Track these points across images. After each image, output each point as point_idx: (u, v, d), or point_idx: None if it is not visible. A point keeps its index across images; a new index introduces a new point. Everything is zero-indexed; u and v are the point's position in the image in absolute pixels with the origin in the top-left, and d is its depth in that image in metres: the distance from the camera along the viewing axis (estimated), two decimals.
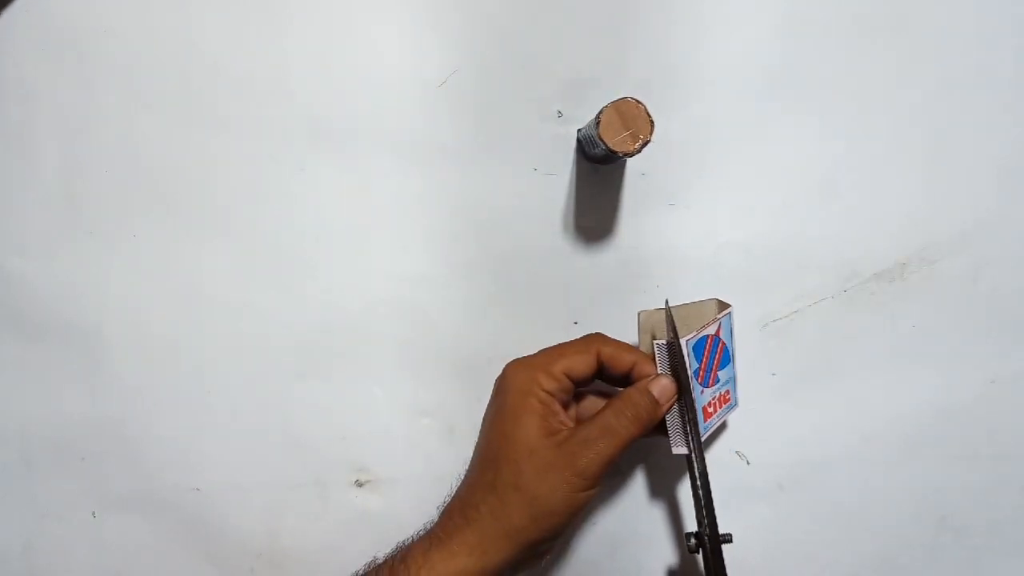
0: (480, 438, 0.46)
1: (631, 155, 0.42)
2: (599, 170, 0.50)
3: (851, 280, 0.51)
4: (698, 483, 0.44)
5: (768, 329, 0.51)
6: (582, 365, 0.44)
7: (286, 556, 0.49)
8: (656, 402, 0.43)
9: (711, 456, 0.51)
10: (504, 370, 0.45)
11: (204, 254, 0.50)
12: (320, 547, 0.51)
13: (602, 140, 0.42)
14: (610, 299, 0.51)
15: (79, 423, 0.50)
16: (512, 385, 0.43)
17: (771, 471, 0.51)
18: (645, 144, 0.42)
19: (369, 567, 0.43)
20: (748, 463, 0.51)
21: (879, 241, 0.51)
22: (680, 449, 0.45)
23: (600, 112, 0.42)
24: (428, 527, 0.44)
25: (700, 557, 0.47)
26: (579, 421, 0.45)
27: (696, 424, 0.44)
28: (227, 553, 0.51)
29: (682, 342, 0.43)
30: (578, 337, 0.46)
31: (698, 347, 0.45)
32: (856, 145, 0.51)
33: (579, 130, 0.50)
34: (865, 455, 0.52)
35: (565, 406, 0.44)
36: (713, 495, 0.49)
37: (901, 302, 0.51)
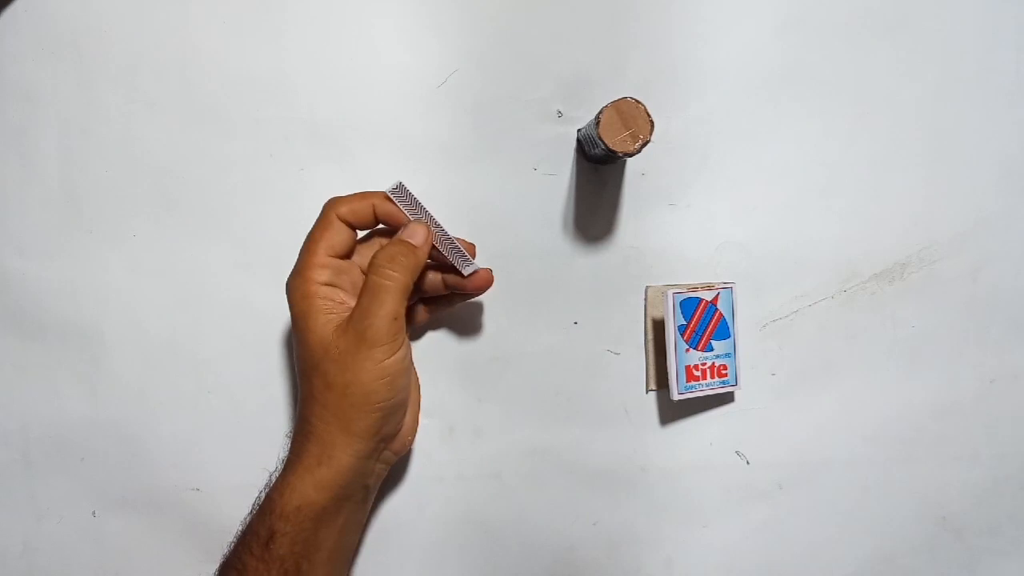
0: (294, 356, 0.45)
1: (631, 155, 0.42)
2: (599, 170, 0.50)
3: (851, 280, 0.51)
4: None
5: (768, 329, 0.51)
6: (337, 238, 0.43)
7: None
8: (412, 246, 0.43)
9: (710, 455, 0.51)
10: (286, 287, 0.44)
11: (204, 254, 0.50)
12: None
13: (602, 140, 0.42)
14: (610, 299, 0.51)
15: (79, 423, 0.50)
16: (293, 295, 0.43)
17: (771, 471, 0.51)
18: (645, 144, 0.42)
19: (248, 515, 0.44)
20: (748, 463, 0.51)
21: (879, 241, 0.51)
22: (470, 268, 0.46)
23: (600, 112, 0.42)
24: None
25: None
26: None
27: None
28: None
29: (669, 294, 0.44)
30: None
31: (687, 304, 0.46)
32: (856, 145, 0.51)
33: (579, 130, 0.50)
34: (865, 455, 0.52)
35: (354, 284, 0.44)
36: (713, 493, 0.50)
37: (901, 302, 0.52)
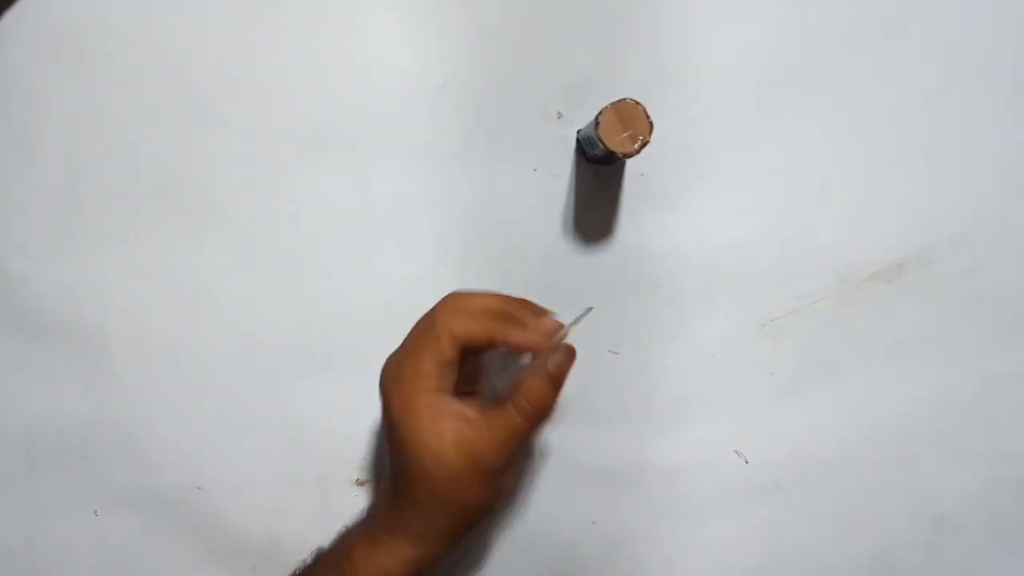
0: (387, 448, 0.43)
1: (630, 156, 0.42)
2: (599, 171, 0.51)
3: (849, 280, 0.52)
4: None
5: (766, 329, 0.51)
6: (445, 354, 0.40)
7: (287, 554, 0.49)
8: (553, 381, 0.41)
9: (709, 455, 0.51)
10: (380, 378, 0.42)
11: (205, 254, 0.51)
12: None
13: (601, 141, 0.42)
14: (610, 299, 0.51)
15: (81, 422, 0.51)
16: (394, 401, 0.41)
17: (769, 470, 0.51)
18: (644, 145, 0.42)
19: (316, 557, 0.44)
20: (747, 462, 0.51)
21: (878, 241, 0.51)
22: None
23: (599, 113, 0.42)
24: (364, 519, 0.44)
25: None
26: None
27: None
28: (229, 551, 0.51)
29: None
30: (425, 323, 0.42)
31: None
32: (855, 145, 0.51)
33: (579, 131, 0.50)
34: (863, 454, 0.52)
35: (456, 374, 0.42)
36: (712, 493, 0.50)
37: (899, 302, 0.52)
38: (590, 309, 0.42)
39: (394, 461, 0.41)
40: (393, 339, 0.50)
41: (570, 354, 0.42)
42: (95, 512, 0.51)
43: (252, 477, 0.51)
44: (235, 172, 0.50)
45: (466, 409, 0.40)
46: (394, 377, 0.41)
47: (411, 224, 0.51)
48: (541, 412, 0.40)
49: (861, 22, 0.51)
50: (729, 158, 0.51)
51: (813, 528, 0.52)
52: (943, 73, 0.51)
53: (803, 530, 0.52)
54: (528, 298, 0.49)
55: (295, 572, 0.44)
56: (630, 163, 0.50)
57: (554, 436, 0.51)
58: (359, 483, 0.51)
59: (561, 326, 0.42)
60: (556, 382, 0.41)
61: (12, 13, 0.50)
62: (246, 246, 0.51)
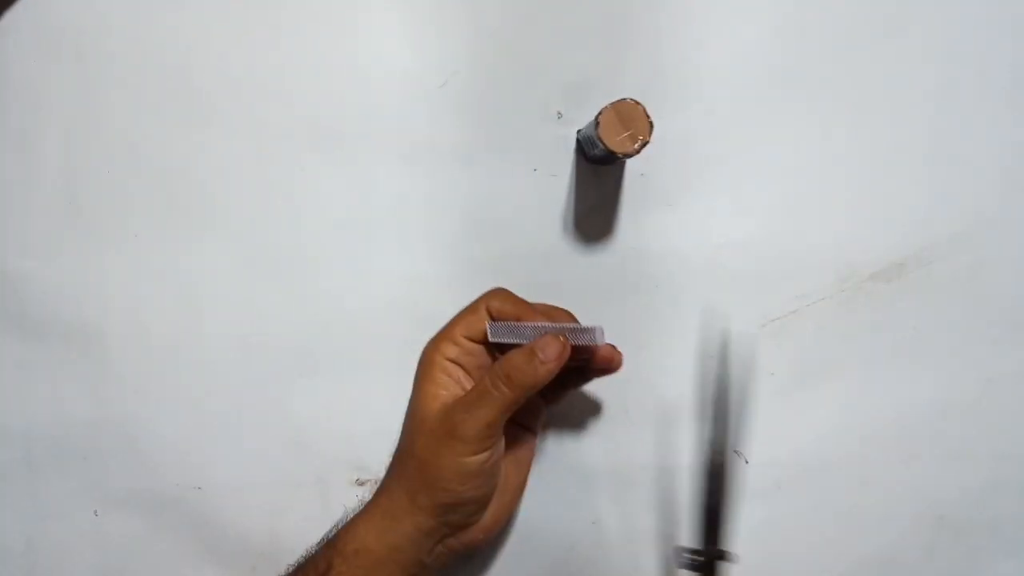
0: None
1: (630, 156, 0.42)
2: (599, 171, 0.51)
3: (849, 280, 0.52)
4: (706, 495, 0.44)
5: (767, 329, 0.51)
6: (476, 324, 0.44)
7: (287, 554, 0.49)
8: (539, 362, 0.41)
9: (708, 454, 0.51)
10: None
11: (204, 254, 0.51)
12: None
13: (601, 141, 0.42)
14: (610, 299, 0.51)
15: (81, 422, 0.51)
16: (422, 357, 0.45)
17: (769, 470, 0.51)
18: (644, 145, 0.42)
19: (319, 541, 0.46)
20: (747, 462, 0.51)
21: (878, 241, 0.51)
22: (594, 338, 0.41)
23: (599, 113, 0.42)
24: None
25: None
26: None
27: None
28: (229, 552, 0.51)
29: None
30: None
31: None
32: (855, 145, 0.51)
33: (579, 131, 0.50)
34: (864, 455, 0.52)
35: (480, 369, 0.45)
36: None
37: (899, 302, 0.52)
38: (597, 328, 0.42)
39: (404, 420, 0.46)
40: (393, 339, 0.51)
41: (560, 343, 0.41)
42: (95, 512, 0.51)
43: (252, 477, 0.51)
44: (235, 172, 0.50)
45: (466, 379, 0.44)
46: (432, 340, 0.45)
47: (411, 224, 0.51)
48: (508, 381, 0.41)
49: (861, 22, 0.51)
50: (729, 158, 0.51)
51: (813, 528, 0.52)
52: (943, 73, 0.51)
53: (803, 530, 0.52)
54: (528, 298, 0.49)
55: (301, 555, 0.46)
56: (630, 163, 0.50)
57: (554, 436, 0.51)
58: (359, 483, 0.51)
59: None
60: (536, 359, 0.41)
61: (12, 13, 0.50)
62: (246, 246, 0.51)
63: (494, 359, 0.45)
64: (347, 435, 0.51)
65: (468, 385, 0.44)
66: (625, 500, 0.51)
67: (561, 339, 0.41)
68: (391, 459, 0.46)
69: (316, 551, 0.45)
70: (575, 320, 0.46)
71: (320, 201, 0.51)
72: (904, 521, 0.52)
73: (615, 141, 0.42)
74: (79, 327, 0.50)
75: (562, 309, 0.46)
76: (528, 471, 0.48)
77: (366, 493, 0.51)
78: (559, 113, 0.50)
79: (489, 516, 0.45)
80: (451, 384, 0.43)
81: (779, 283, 0.51)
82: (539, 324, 0.43)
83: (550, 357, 0.41)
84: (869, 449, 0.52)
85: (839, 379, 0.52)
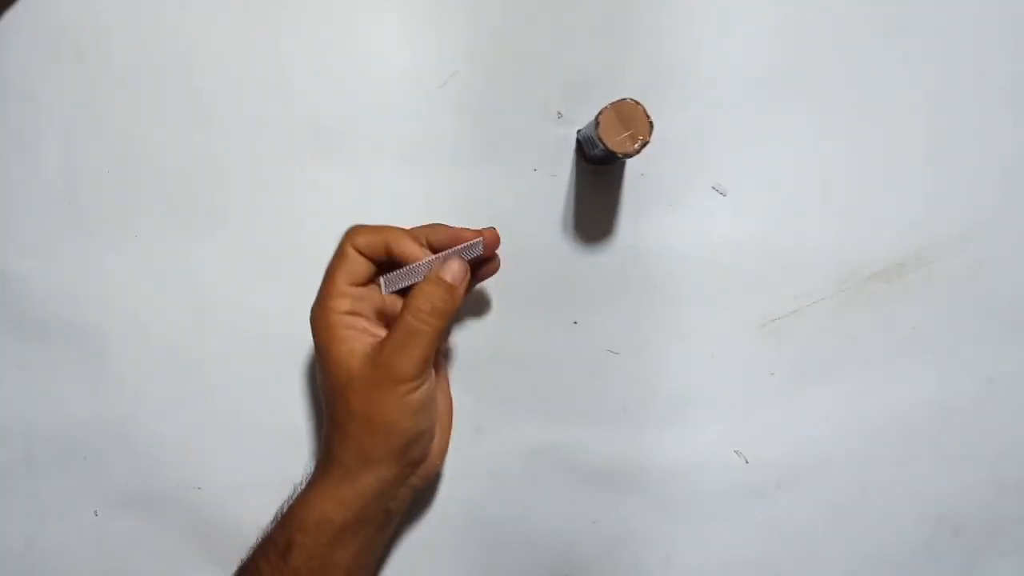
0: (319, 380, 0.45)
1: (630, 156, 0.42)
2: (599, 171, 0.51)
3: (849, 280, 0.52)
4: None
5: (767, 329, 0.51)
6: (355, 267, 0.43)
7: None
8: (451, 287, 0.42)
9: (709, 454, 0.51)
10: (309, 318, 0.44)
11: (205, 254, 0.51)
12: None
13: (601, 141, 0.42)
14: (610, 299, 0.51)
15: (81, 422, 0.51)
16: (316, 325, 0.43)
17: (769, 470, 0.51)
18: (644, 145, 0.42)
19: (271, 521, 0.45)
20: (747, 462, 0.51)
21: (878, 241, 0.51)
22: (476, 250, 0.44)
23: (599, 113, 0.42)
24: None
25: None
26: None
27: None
28: (229, 552, 0.51)
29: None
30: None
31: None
32: (855, 145, 0.51)
33: (579, 131, 0.50)
34: (863, 455, 0.52)
35: (376, 310, 0.44)
36: (711, 492, 0.49)
37: (899, 302, 0.52)
38: (480, 240, 0.44)
39: (320, 389, 0.44)
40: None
41: (462, 261, 0.43)
42: (95, 512, 0.51)
43: (252, 477, 0.51)
44: (235, 172, 0.50)
45: (379, 329, 0.43)
46: (316, 303, 0.44)
47: (410, 224, 0.51)
48: (433, 312, 0.42)
49: (861, 22, 0.51)
50: (729, 158, 0.51)
51: (813, 528, 0.52)
52: (943, 73, 0.51)
53: (803, 530, 0.52)
54: (526, 297, 0.49)
55: (258, 537, 0.45)
56: (630, 163, 0.50)
57: (554, 436, 0.51)
58: None
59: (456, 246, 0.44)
60: (448, 284, 0.43)
61: (12, 13, 0.50)
62: (246, 246, 0.51)
63: (384, 296, 0.45)
64: None
65: (375, 330, 0.43)
66: (625, 500, 0.51)
67: (462, 259, 0.43)
68: (323, 433, 0.45)
69: (271, 530, 0.44)
70: (451, 229, 0.45)
71: (320, 201, 0.51)
72: (904, 521, 0.52)
73: (615, 141, 0.42)
74: (79, 327, 0.50)
75: (437, 224, 0.46)
76: (448, 384, 0.49)
77: None
78: (559, 113, 0.50)
79: (438, 440, 0.47)
80: (359, 336, 0.42)
81: (779, 283, 0.51)
82: (429, 259, 0.44)
83: (459, 278, 0.43)
84: (869, 449, 0.52)
85: (839, 379, 0.52)
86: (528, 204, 0.51)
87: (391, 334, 0.42)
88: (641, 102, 0.42)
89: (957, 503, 0.52)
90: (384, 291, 0.44)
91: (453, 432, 0.51)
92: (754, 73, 0.50)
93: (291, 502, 0.44)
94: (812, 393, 0.52)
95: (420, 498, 0.51)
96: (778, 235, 0.51)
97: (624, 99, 0.42)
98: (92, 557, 0.51)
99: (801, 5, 0.50)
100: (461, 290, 0.43)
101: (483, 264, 0.46)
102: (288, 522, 0.43)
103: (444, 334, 0.46)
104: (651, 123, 0.42)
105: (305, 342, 0.51)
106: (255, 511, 0.51)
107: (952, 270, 0.52)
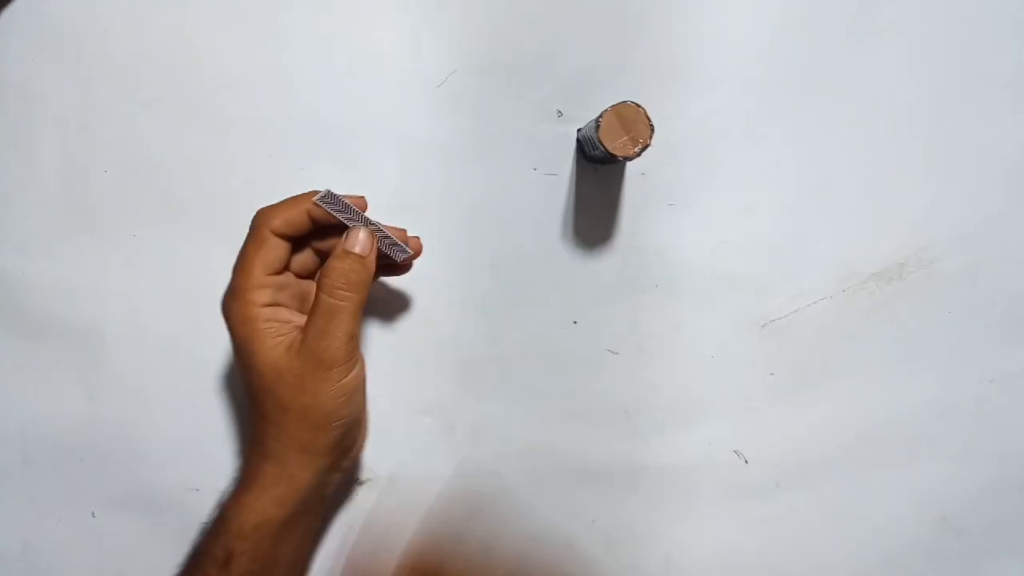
0: (241, 376, 0.44)
1: (630, 159, 0.42)
2: (599, 170, 0.50)
3: (850, 280, 0.52)
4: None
5: (767, 329, 0.51)
6: (272, 255, 0.41)
7: None
8: (360, 258, 0.41)
9: (709, 454, 0.51)
10: (221, 306, 0.42)
11: (204, 254, 0.50)
12: (321, 545, 0.51)
13: (602, 144, 0.42)
14: (610, 299, 0.51)
15: (78, 423, 0.50)
16: (233, 319, 0.41)
17: (769, 470, 0.51)
18: (645, 148, 0.42)
19: (197, 538, 0.44)
20: (746, 462, 0.51)
21: (878, 241, 0.51)
22: (402, 254, 0.44)
23: (600, 116, 0.42)
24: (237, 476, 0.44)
25: None
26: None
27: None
28: None
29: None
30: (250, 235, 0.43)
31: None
32: (856, 145, 0.51)
33: (579, 130, 0.50)
34: (864, 455, 0.52)
35: (295, 296, 0.43)
36: (711, 492, 0.49)
37: (900, 302, 0.52)
38: (408, 245, 0.44)
39: (246, 384, 0.42)
40: (392, 338, 0.51)
41: (367, 231, 0.42)
42: (92, 514, 0.51)
43: None
44: (234, 172, 0.50)
45: (300, 317, 0.42)
46: (232, 295, 0.41)
47: (410, 224, 0.50)
48: (348, 286, 0.40)
49: (862, 22, 0.51)
50: (729, 158, 0.51)
51: (812, 528, 0.52)
52: (944, 73, 0.51)
53: (802, 530, 0.52)
54: (526, 297, 0.49)
55: (188, 552, 0.44)
56: (630, 163, 0.50)
57: (554, 436, 0.51)
58: (358, 483, 0.51)
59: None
60: (352, 255, 0.41)
61: (9, 11, 0.50)
62: None
63: (300, 282, 0.44)
64: None
65: (296, 319, 0.42)
66: (625, 500, 0.51)
67: (367, 228, 0.42)
68: (251, 430, 0.43)
69: (203, 544, 0.42)
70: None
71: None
72: (904, 521, 0.52)
73: (615, 144, 0.42)
74: (77, 327, 0.50)
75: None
76: (364, 363, 0.47)
77: (366, 492, 0.51)
78: (559, 112, 0.50)
79: (363, 424, 0.47)
80: (282, 327, 0.41)
81: (779, 283, 0.51)
82: (366, 217, 0.43)
83: (367, 248, 0.41)
84: (869, 449, 0.52)
85: (839, 379, 0.52)
86: (528, 203, 0.50)
87: (311, 319, 0.40)
88: (642, 105, 0.42)
89: (959, 503, 0.52)
90: (316, 200, 0.42)
91: (454, 432, 0.51)
92: (755, 73, 0.50)
93: (221, 509, 0.42)
94: (812, 393, 0.52)
95: (420, 498, 0.50)
96: (778, 235, 0.51)
97: (625, 102, 0.42)
98: (89, 558, 0.51)
99: (801, 5, 0.50)
100: (372, 259, 0.42)
101: (395, 267, 0.46)
102: (223, 532, 0.41)
103: (362, 308, 0.44)
104: (652, 127, 0.42)
105: None
106: None
107: (952, 270, 0.52)
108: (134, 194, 0.50)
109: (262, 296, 0.41)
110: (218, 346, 0.50)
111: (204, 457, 0.51)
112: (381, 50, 0.50)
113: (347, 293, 0.40)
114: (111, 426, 0.50)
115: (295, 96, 0.50)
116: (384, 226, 0.44)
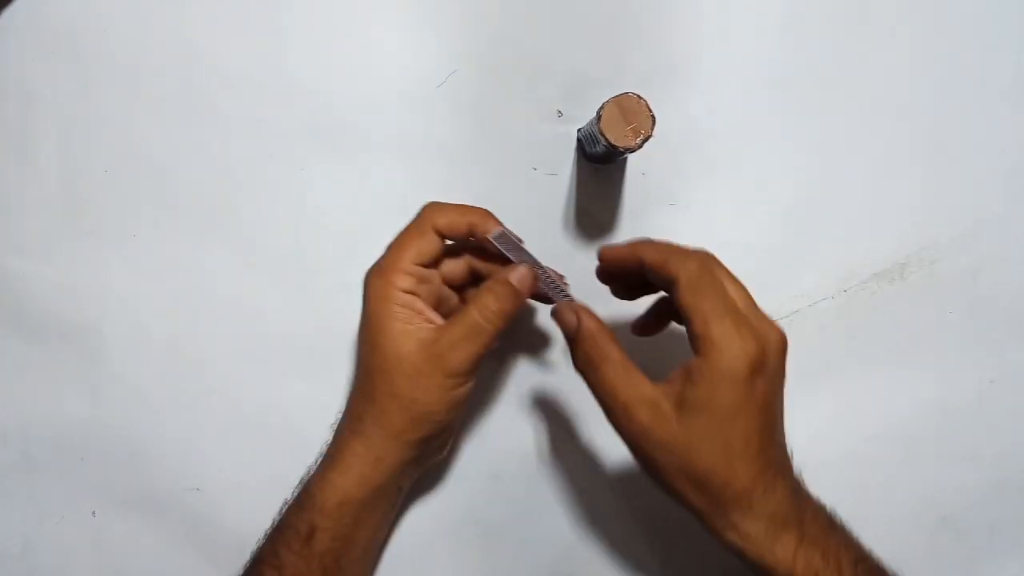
0: (357, 350, 0.45)
1: (632, 150, 0.42)
2: (599, 170, 0.50)
3: (850, 280, 0.51)
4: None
5: None
6: (427, 247, 0.43)
7: None
8: (516, 291, 0.42)
9: None
10: (364, 279, 0.43)
11: (204, 254, 0.50)
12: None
13: (603, 135, 0.42)
14: (610, 299, 0.51)
15: (79, 423, 0.50)
16: (371, 293, 0.42)
17: None
18: (646, 139, 0.42)
19: (283, 509, 0.45)
20: None
21: (879, 241, 0.51)
22: (562, 296, 0.45)
23: (601, 107, 0.42)
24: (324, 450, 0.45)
25: None
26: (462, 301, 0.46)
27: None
28: (227, 553, 0.50)
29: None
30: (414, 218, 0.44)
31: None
32: (857, 144, 0.51)
33: (579, 129, 0.50)
34: (865, 455, 0.52)
35: (433, 294, 0.44)
36: None
37: (901, 302, 0.51)
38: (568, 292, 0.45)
39: (361, 356, 0.43)
40: None
41: (532, 274, 0.43)
42: (93, 513, 0.51)
43: (251, 478, 0.51)
44: (235, 172, 0.50)
45: (433, 314, 0.43)
46: (377, 271, 0.43)
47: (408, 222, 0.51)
48: (499, 313, 0.42)
49: (862, 22, 0.51)
50: (730, 157, 0.51)
51: None
52: (944, 73, 0.51)
53: None
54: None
55: (272, 525, 0.45)
56: (631, 162, 0.50)
57: (554, 436, 0.51)
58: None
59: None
60: (511, 286, 0.42)
61: (9, 11, 0.50)
62: (246, 246, 0.50)
63: (444, 282, 0.45)
64: None
65: (430, 315, 0.43)
66: (626, 499, 0.51)
67: (532, 272, 0.43)
68: (349, 404, 0.44)
69: (288, 516, 0.43)
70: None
71: (319, 201, 0.51)
72: (905, 522, 0.52)
73: (617, 135, 0.42)
74: (77, 327, 0.50)
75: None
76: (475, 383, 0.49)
77: None
78: (559, 111, 0.50)
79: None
80: (414, 317, 0.42)
81: (780, 283, 0.51)
82: (534, 258, 0.44)
83: (527, 286, 0.43)
84: (869, 449, 0.52)
85: (839, 379, 0.52)
86: (528, 203, 0.50)
87: (451, 326, 0.41)
88: (643, 96, 0.42)
89: (959, 504, 0.52)
90: (491, 237, 0.43)
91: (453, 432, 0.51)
92: (755, 72, 0.51)
93: (307, 484, 0.43)
94: (812, 393, 0.52)
95: (420, 498, 0.50)
96: (779, 235, 0.51)
97: (626, 93, 0.42)
98: (90, 558, 0.51)
99: (802, 4, 0.51)
100: (525, 296, 0.43)
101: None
102: (308, 507, 0.42)
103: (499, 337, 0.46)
104: (653, 117, 0.42)
105: (304, 342, 0.51)
106: (253, 512, 0.50)
107: (953, 270, 0.52)
108: (134, 194, 0.50)
109: (405, 281, 0.42)
110: (218, 346, 0.50)
111: (204, 457, 0.51)
112: (381, 50, 0.50)
113: (495, 318, 0.41)
114: (111, 426, 0.50)
115: (295, 96, 0.50)
116: (548, 268, 0.45)
